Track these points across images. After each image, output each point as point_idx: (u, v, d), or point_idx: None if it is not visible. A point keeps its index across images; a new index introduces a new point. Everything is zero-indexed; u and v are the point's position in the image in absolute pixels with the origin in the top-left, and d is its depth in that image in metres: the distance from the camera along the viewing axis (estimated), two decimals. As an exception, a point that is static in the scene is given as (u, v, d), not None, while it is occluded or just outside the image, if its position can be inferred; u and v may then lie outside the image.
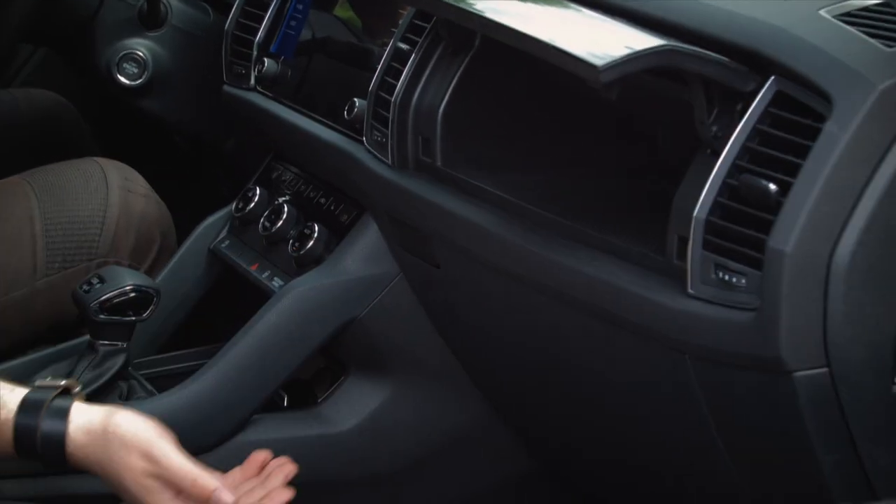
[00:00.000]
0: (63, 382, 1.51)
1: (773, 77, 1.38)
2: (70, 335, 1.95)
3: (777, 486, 1.48)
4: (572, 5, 1.55)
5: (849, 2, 1.46)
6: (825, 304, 1.33)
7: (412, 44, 1.78)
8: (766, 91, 1.38)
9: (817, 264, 1.32)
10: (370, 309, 1.88)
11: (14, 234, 2.01)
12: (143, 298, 1.79)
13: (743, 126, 1.38)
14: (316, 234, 1.93)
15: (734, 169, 1.37)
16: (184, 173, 2.64)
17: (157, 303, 1.81)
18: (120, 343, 1.80)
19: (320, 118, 2.00)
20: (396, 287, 1.88)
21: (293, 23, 2.13)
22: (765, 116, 1.37)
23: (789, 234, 1.31)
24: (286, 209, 2.01)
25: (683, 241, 1.40)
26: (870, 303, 1.34)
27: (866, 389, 1.36)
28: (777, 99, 1.37)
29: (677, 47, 1.38)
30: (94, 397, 1.67)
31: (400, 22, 1.83)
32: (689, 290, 1.40)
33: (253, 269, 2.02)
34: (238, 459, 1.58)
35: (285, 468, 1.52)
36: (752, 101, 1.38)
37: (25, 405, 1.46)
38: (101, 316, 1.78)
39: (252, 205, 2.08)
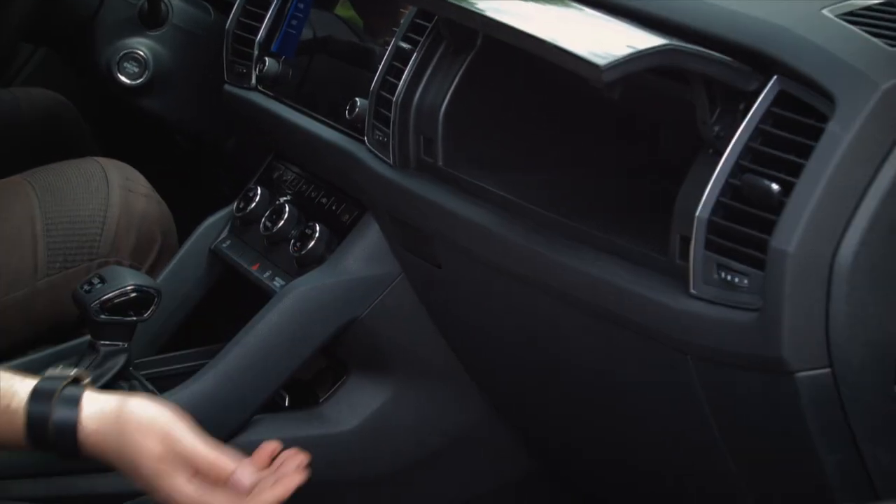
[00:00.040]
0: (73, 372, 1.50)
1: (775, 77, 1.38)
2: (71, 335, 1.95)
3: (778, 486, 1.48)
4: (574, 4, 1.55)
5: (852, 1, 1.46)
6: (828, 305, 1.33)
7: (414, 43, 1.78)
8: (768, 91, 1.37)
9: (820, 264, 1.32)
10: (371, 309, 1.88)
11: (15, 233, 2.01)
12: (143, 298, 1.79)
13: (745, 126, 1.37)
14: (317, 234, 1.93)
15: (736, 169, 1.37)
16: (185, 173, 2.64)
17: (157, 303, 1.81)
18: (121, 343, 1.80)
19: (321, 118, 2.00)
20: (398, 287, 1.88)
21: (294, 22, 2.13)
22: (767, 116, 1.37)
23: (792, 234, 1.31)
24: (287, 209, 2.01)
25: (686, 241, 1.40)
26: (872, 303, 1.33)
27: (869, 390, 1.36)
28: (780, 98, 1.37)
29: (680, 47, 1.38)
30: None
31: (401, 21, 1.83)
32: (692, 291, 1.40)
33: (254, 269, 2.02)
34: (239, 460, 1.58)
35: (297, 458, 1.52)
36: (755, 100, 1.38)
37: (37, 394, 1.45)
38: (102, 316, 1.78)
39: (253, 205, 2.08)
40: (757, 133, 1.37)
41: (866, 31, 1.39)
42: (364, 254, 1.89)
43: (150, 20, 2.37)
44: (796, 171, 1.32)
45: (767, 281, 1.33)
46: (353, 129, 1.90)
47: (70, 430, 1.44)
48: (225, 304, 2.08)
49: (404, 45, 1.80)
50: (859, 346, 1.34)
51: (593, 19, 1.51)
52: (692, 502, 1.69)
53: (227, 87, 2.21)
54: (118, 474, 1.46)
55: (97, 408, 1.45)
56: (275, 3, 2.15)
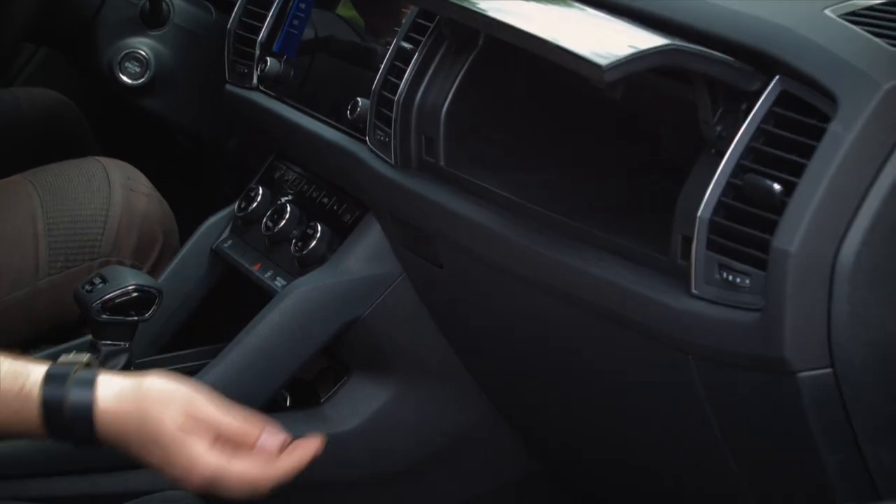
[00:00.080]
0: (85, 358, 1.48)
1: (777, 77, 1.37)
2: (72, 335, 1.95)
3: (780, 486, 1.48)
4: (576, 4, 1.55)
5: (854, 1, 1.46)
6: (829, 305, 1.33)
7: (415, 43, 1.78)
8: (770, 91, 1.37)
9: (822, 264, 1.32)
10: (373, 309, 1.88)
11: (16, 233, 2.01)
12: (145, 298, 1.79)
13: (747, 126, 1.37)
14: (319, 234, 1.93)
15: (738, 169, 1.37)
16: (186, 173, 2.64)
17: (159, 303, 1.81)
18: (122, 343, 1.80)
19: (323, 117, 1.99)
20: (399, 287, 1.88)
21: (296, 22, 2.13)
22: (769, 116, 1.37)
23: (793, 234, 1.31)
24: (289, 209, 2.01)
25: (687, 241, 1.40)
26: (874, 303, 1.33)
27: (870, 390, 1.36)
28: (781, 99, 1.37)
29: (682, 47, 1.38)
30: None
31: (403, 21, 1.83)
32: (693, 291, 1.40)
33: (255, 268, 2.02)
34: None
35: (309, 440, 1.50)
36: (757, 100, 1.38)
37: (50, 377, 1.42)
38: (104, 316, 1.78)
39: (255, 204, 2.08)
40: (759, 133, 1.37)
41: (868, 32, 1.39)
42: (365, 254, 1.89)
43: (151, 20, 2.37)
44: (798, 171, 1.32)
45: (769, 281, 1.33)
46: (355, 128, 1.90)
47: (87, 412, 1.39)
48: (226, 304, 2.08)
49: (406, 44, 1.80)
50: (861, 346, 1.34)
51: (595, 19, 1.51)
52: (693, 502, 1.68)
53: (228, 86, 2.21)
54: (118, 474, 1.45)
55: (114, 389, 1.40)
56: (276, 2, 2.15)
